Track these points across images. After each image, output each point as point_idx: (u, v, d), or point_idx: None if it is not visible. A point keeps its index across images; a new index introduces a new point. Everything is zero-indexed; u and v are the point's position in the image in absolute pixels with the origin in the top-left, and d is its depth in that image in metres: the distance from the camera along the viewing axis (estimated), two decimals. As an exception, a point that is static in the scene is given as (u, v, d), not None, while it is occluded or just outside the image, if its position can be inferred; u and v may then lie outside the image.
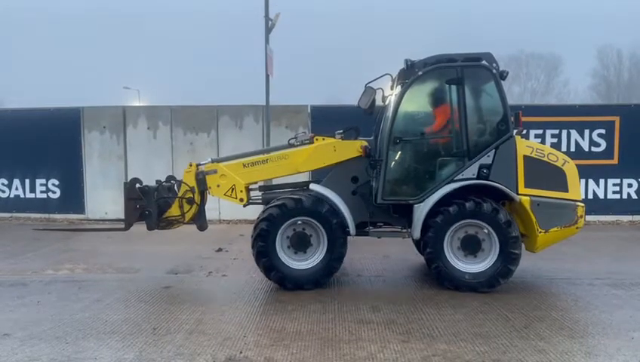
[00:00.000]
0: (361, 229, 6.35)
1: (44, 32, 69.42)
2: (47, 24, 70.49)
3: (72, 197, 11.80)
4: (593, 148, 11.08)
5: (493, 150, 5.91)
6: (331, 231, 5.96)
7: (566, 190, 6.02)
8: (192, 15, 78.38)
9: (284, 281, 6.02)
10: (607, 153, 11.06)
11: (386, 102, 6.68)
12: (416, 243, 7.09)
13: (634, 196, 11.15)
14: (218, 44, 71.70)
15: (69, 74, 63.30)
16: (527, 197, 5.89)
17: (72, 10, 73.29)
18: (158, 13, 76.97)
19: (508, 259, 5.80)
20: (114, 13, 75.44)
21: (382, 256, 7.95)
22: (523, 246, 6.04)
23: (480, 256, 5.93)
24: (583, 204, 6.08)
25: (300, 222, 6.04)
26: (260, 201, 6.63)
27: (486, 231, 5.86)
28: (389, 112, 6.24)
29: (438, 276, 5.93)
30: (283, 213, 5.97)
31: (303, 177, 7.70)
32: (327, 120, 10.56)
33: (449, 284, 5.89)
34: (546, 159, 6.04)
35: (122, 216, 6.54)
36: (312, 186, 6.38)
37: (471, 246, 5.92)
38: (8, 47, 62.57)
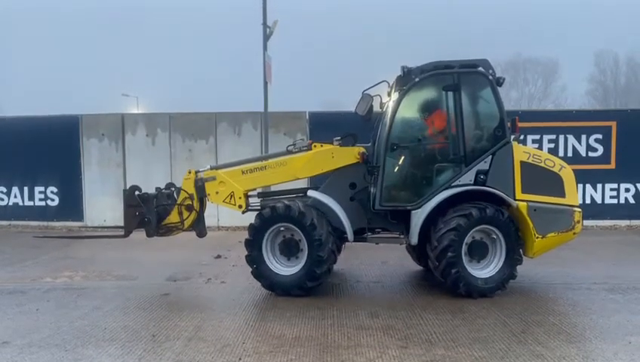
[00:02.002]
0: (360, 235, 6.36)
1: (42, 39, 69.52)
2: (44, 31, 70.61)
3: (71, 205, 11.82)
4: (590, 153, 11.14)
5: (490, 156, 5.95)
6: (307, 234, 5.96)
7: (563, 195, 6.06)
8: (190, 19, 78.64)
9: (273, 288, 6.08)
10: (605, 158, 11.12)
11: (384, 109, 6.71)
12: (412, 249, 7.11)
13: (631, 201, 11.20)
14: (217, 47, 71.79)
15: (67, 81, 63.24)
16: (525, 203, 5.92)
17: (70, 18, 73.50)
18: (155, 18, 77.16)
19: (513, 264, 5.87)
20: (112, 19, 75.69)
21: (380, 262, 7.97)
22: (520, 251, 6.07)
23: (482, 261, 5.97)
24: (579, 209, 6.12)
25: (283, 229, 6.08)
26: (259, 208, 6.65)
27: (494, 236, 5.90)
28: (387, 119, 6.27)
29: (454, 281, 5.84)
30: (263, 222, 6.04)
31: (302, 184, 7.73)
32: (325, 126, 10.59)
33: (463, 290, 5.85)
34: (542, 165, 6.08)
35: (121, 224, 6.56)
36: (310, 193, 6.42)
37: (476, 252, 5.94)
38: (6, 52, 62.64)
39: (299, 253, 6.10)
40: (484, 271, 5.94)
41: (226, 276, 7.17)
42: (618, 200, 11.22)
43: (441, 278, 5.97)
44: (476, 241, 5.94)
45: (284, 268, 6.11)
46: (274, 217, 6.02)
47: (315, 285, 6.04)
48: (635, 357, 4.20)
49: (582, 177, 9.81)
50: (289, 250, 6.12)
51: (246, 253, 6.13)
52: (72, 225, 11.74)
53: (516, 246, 5.87)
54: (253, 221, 6.16)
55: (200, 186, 6.47)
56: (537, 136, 11.10)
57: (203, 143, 11.66)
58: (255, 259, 6.08)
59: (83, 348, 4.49)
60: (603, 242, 9.62)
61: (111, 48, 70.84)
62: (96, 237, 8.20)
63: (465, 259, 5.91)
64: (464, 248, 5.90)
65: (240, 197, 6.42)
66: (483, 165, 5.95)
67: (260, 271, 6.08)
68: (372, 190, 6.24)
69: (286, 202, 6.08)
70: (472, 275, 5.88)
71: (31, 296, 6.19)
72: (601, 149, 11.12)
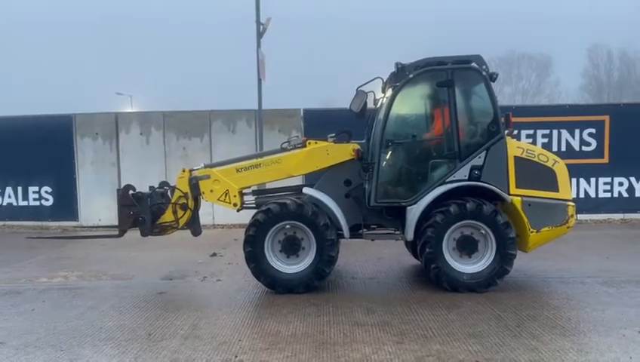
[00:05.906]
0: (355, 232, 6.37)
1: (34, 39, 69.10)
2: (36, 31, 70.14)
3: (66, 205, 11.79)
4: (584, 148, 11.20)
5: (484, 151, 5.97)
6: (318, 234, 5.96)
7: (556, 190, 6.09)
8: (183, 17, 78.39)
9: (274, 285, 6.05)
10: (598, 152, 11.18)
11: (378, 106, 6.72)
12: (409, 245, 7.13)
13: (625, 194, 11.27)
14: (210, 45, 71.44)
15: (60, 80, 63.00)
16: (519, 198, 5.94)
17: (62, 17, 73.09)
18: (148, 17, 76.78)
19: (504, 259, 5.87)
20: (105, 18, 75.24)
21: (376, 258, 7.99)
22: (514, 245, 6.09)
23: (474, 256, 5.98)
24: (573, 204, 6.15)
25: (288, 226, 6.06)
26: (254, 206, 6.65)
27: (483, 231, 5.91)
28: (381, 115, 6.28)
29: (436, 277, 5.93)
30: (269, 218, 5.99)
31: (297, 181, 7.72)
32: (319, 123, 10.60)
33: (447, 285, 5.91)
34: (536, 159, 6.10)
35: (116, 223, 6.55)
36: (306, 190, 6.41)
37: (466, 247, 5.97)
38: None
39: (299, 251, 6.10)
40: (474, 266, 5.96)
41: (221, 274, 7.17)
42: (612, 194, 11.28)
43: (427, 273, 6.04)
44: (466, 236, 5.96)
45: (285, 266, 6.09)
46: (283, 214, 5.98)
47: (320, 283, 6.07)
48: (629, 350, 4.23)
49: (575, 172, 9.87)
50: (290, 247, 6.10)
51: (243, 250, 6.08)
52: (66, 224, 11.71)
53: (507, 241, 5.84)
54: (254, 217, 6.06)
55: (194, 185, 6.45)
56: (531, 131, 11.15)
57: (197, 141, 11.64)
58: (257, 256, 6.01)
59: (79, 347, 4.48)
60: (597, 236, 9.68)
61: (104, 47, 70.62)
62: (90, 237, 8.16)
63: (453, 254, 5.96)
64: (452, 243, 5.94)
65: (235, 196, 6.41)
66: (477, 160, 5.97)
67: (260, 268, 6.03)
68: (367, 187, 6.25)
69: (296, 200, 6.05)
70: (456, 270, 5.91)
71: (26, 297, 6.17)
72: (594, 144, 11.17)
